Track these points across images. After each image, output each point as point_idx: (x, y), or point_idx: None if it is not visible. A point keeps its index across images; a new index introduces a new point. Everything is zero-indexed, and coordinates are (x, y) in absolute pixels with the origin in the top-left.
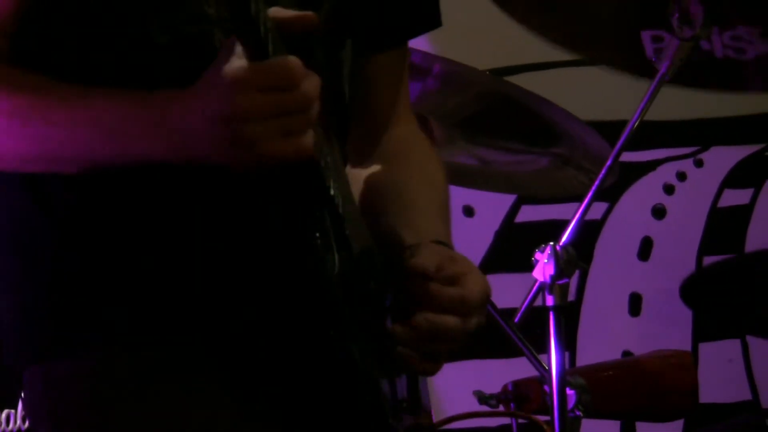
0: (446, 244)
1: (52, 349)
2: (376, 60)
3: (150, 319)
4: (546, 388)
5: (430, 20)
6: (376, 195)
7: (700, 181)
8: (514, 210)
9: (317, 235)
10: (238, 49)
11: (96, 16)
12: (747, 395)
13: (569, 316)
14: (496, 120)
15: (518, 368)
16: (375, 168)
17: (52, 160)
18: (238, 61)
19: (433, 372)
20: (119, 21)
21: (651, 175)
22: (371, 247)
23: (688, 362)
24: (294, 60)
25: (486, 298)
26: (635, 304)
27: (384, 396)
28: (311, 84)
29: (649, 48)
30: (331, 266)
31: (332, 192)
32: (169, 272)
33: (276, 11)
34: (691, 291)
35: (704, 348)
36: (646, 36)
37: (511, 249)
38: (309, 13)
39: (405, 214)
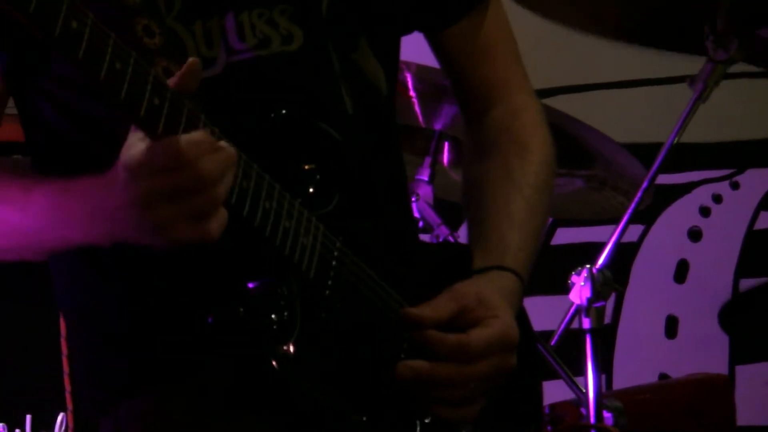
0: (508, 267)
1: (115, 397)
2: (444, 38)
3: (187, 360)
4: (583, 410)
5: None
6: (469, 199)
7: (736, 204)
8: (550, 232)
9: (272, 317)
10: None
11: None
12: None
13: (606, 338)
14: None
15: (555, 391)
16: (474, 166)
17: (13, 251)
18: (135, 146)
19: (458, 417)
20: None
21: (687, 197)
22: (375, 299)
23: (724, 385)
24: (186, 138)
25: (505, 343)
26: (671, 327)
27: None
28: (213, 161)
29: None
30: (281, 354)
31: (296, 258)
32: (185, 326)
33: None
34: (728, 315)
35: (741, 370)
36: None
37: (547, 271)
38: (190, 59)
39: (483, 230)
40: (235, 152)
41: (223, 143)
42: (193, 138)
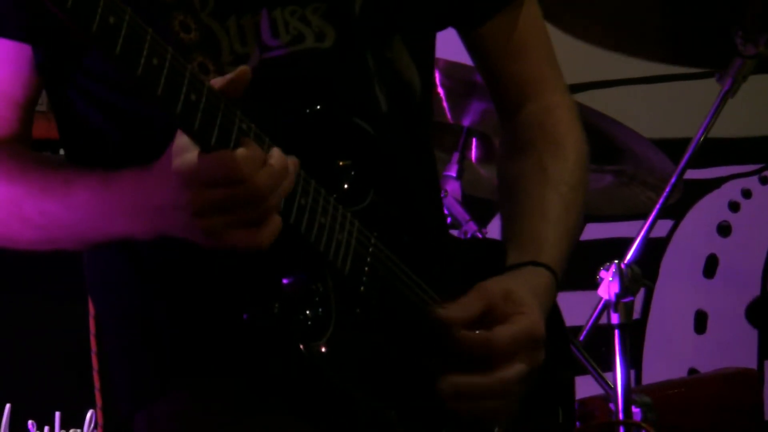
0: (543, 263)
1: (150, 393)
2: (477, 35)
3: (222, 356)
4: (612, 406)
5: None
6: (504, 196)
7: (766, 198)
8: None
9: (307, 313)
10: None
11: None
12: None
13: (634, 334)
14: None
15: (584, 386)
16: (509, 163)
17: (53, 242)
18: (188, 151)
19: (492, 417)
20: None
21: (716, 192)
22: (411, 297)
23: (753, 379)
24: (242, 153)
25: (531, 339)
26: (701, 322)
27: None
28: (267, 174)
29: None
30: (314, 350)
31: (331, 254)
32: (220, 323)
33: (214, 82)
34: (757, 310)
35: None
36: None
37: (576, 267)
38: (241, 67)
39: (518, 226)
40: (287, 161)
41: (275, 152)
42: (248, 153)
